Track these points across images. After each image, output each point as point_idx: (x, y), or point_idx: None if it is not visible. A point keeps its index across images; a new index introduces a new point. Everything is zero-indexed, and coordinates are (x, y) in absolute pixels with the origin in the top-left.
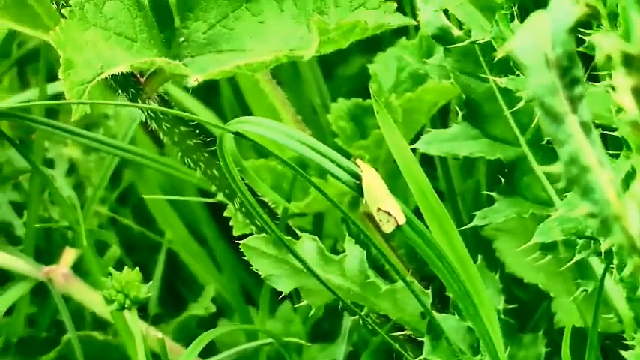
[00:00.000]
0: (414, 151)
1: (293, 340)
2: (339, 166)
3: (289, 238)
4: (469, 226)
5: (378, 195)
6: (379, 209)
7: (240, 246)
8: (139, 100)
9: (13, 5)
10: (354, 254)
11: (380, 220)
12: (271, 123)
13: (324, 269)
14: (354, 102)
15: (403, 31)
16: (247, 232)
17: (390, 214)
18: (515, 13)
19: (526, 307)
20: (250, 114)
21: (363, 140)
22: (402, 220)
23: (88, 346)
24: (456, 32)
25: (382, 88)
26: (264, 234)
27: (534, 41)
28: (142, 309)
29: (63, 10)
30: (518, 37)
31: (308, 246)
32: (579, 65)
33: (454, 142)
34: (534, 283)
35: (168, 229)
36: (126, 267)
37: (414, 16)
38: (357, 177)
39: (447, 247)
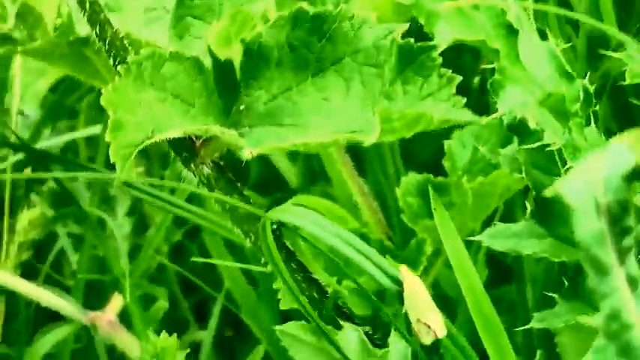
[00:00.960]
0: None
1: None
2: (381, 270)
3: (330, 327)
4: (527, 327)
5: (418, 305)
6: (419, 320)
7: (276, 332)
8: (192, 164)
9: (70, 55)
10: (397, 350)
11: (419, 331)
12: (314, 217)
13: None
14: (424, 177)
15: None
16: (295, 307)
17: (429, 327)
18: (591, 116)
19: None
20: (324, 174)
21: (429, 220)
22: (441, 334)
23: None
24: (532, 125)
25: (456, 166)
26: (303, 322)
27: (585, 184)
28: (195, 351)
29: (120, 67)
30: (568, 178)
31: (350, 336)
32: (632, 214)
33: (519, 239)
34: None
35: (228, 277)
36: (164, 332)
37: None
38: (400, 283)
39: (493, 352)
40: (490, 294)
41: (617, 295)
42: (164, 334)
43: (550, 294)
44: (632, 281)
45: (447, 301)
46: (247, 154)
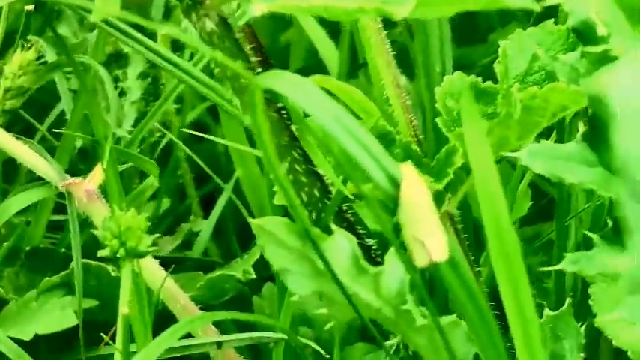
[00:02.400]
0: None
1: (310, 343)
2: (380, 166)
3: (318, 231)
4: (554, 267)
5: (416, 217)
6: (414, 236)
7: (252, 227)
8: (193, 15)
9: None
10: (394, 272)
11: (412, 250)
12: (313, 91)
13: (354, 279)
14: (471, 79)
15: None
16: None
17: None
18: None
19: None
20: (364, 56)
21: None
22: (439, 257)
23: (98, 279)
24: (602, 31)
25: (509, 73)
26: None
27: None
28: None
29: None
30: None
31: (341, 246)
32: None
33: (565, 162)
34: (623, 349)
35: (239, 164)
36: (132, 210)
37: None
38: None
39: (509, 298)
40: (528, 229)
41: None
42: (133, 211)
43: (590, 234)
44: None
45: (478, 228)
46: (256, 10)
